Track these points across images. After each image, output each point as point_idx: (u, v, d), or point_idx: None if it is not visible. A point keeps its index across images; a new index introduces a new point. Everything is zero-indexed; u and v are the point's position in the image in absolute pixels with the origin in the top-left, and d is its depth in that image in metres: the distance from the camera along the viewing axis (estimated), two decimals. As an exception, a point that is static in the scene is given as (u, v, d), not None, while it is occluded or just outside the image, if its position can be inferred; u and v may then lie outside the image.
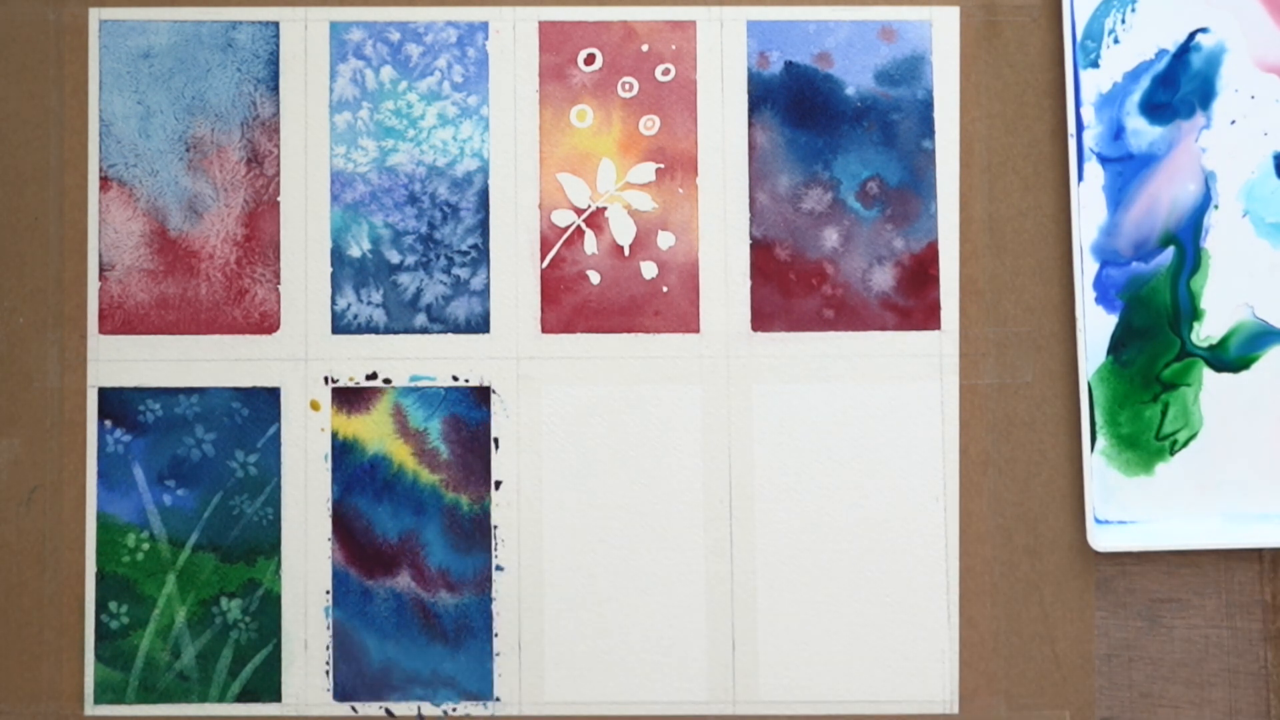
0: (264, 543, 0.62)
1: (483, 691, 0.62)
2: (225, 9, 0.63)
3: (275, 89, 0.63)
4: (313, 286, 0.62)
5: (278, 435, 0.62)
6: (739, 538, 0.62)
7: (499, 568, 0.62)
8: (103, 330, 0.62)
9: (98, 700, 0.61)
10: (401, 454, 0.62)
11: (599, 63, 0.63)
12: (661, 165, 0.63)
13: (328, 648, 0.62)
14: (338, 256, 0.63)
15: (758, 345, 0.62)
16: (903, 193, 0.63)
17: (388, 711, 0.62)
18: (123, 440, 0.62)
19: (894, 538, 0.62)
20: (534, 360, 0.62)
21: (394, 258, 0.63)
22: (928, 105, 0.63)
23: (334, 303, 0.62)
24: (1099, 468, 0.61)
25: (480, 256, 0.63)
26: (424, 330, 0.62)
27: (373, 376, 0.62)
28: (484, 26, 0.63)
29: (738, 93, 0.63)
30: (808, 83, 0.63)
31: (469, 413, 0.62)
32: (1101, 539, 0.60)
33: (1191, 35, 0.62)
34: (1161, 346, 0.61)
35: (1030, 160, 0.62)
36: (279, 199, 0.63)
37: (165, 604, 0.62)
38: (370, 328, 0.62)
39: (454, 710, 0.62)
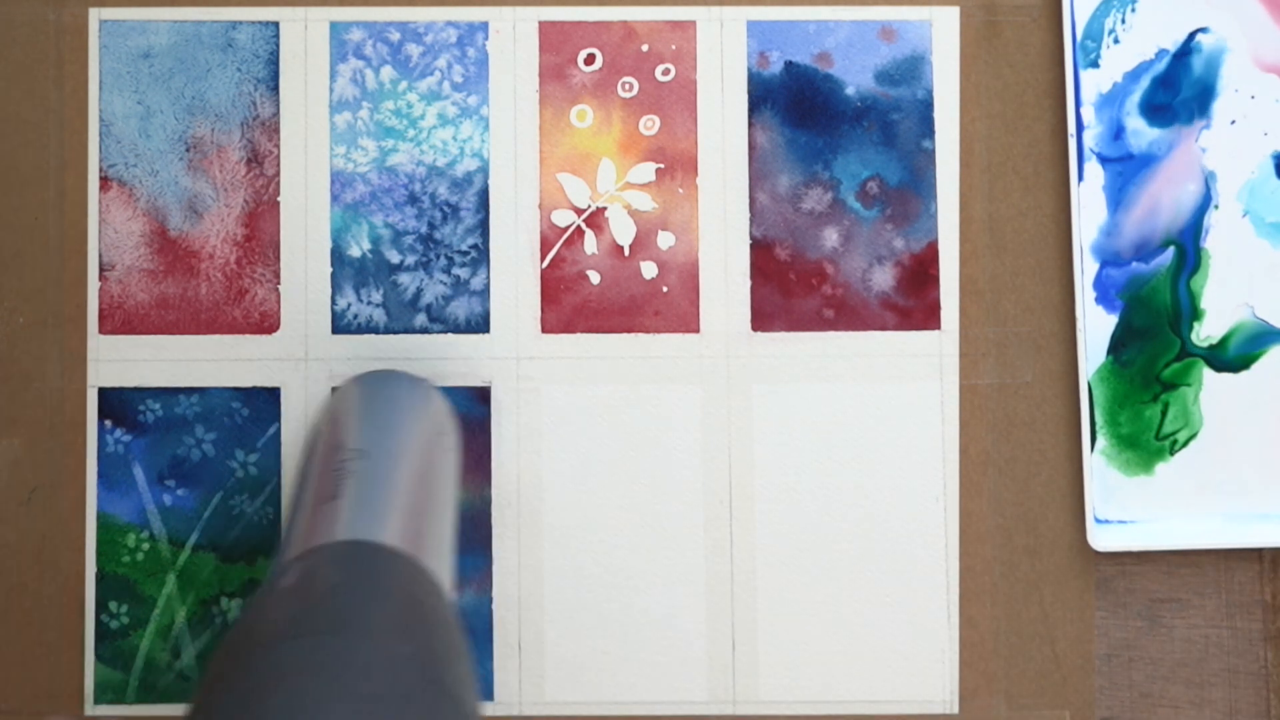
0: (264, 543, 0.62)
1: (482, 691, 0.62)
2: (225, 9, 0.63)
3: (275, 89, 0.63)
4: (313, 286, 0.62)
5: (278, 435, 0.62)
6: (739, 538, 0.62)
7: (499, 568, 0.62)
8: (103, 330, 0.62)
9: (98, 700, 0.61)
10: (401, 454, 0.62)
11: (599, 63, 0.63)
12: (661, 165, 0.63)
13: (328, 648, 0.62)
14: (338, 256, 0.63)
15: (758, 345, 0.62)
16: (903, 193, 0.63)
17: (388, 711, 0.62)
18: (123, 440, 0.62)
19: (894, 538, 0.62)
20: (534, 360, 0.62)
21: (394, 258, 0.62)
22: (928, 105, 0.63)
23: (334, 303, 0.62)
24: (1099, 468, 0.61)
25: (480, 256, 0.63)
26: (424, 330, 0.62)
27: (373, 376, 0.62)
28: (484, 26, 0.63)
29: (738, 93, 0.63)
30: (808, 83, 0.63)
31: (469, 412, 0.62)
32: (1101, 539, 0.60)
33: (1191, 35, 0.62)
34: (1161, 346, 0.61)
35: (1030, 160, 0.62)
36: (279, 199, 0.63)
37: (165, 604, 0.62)
38: (370, 328, 0.62)
39: (454, 710, 0.62)
